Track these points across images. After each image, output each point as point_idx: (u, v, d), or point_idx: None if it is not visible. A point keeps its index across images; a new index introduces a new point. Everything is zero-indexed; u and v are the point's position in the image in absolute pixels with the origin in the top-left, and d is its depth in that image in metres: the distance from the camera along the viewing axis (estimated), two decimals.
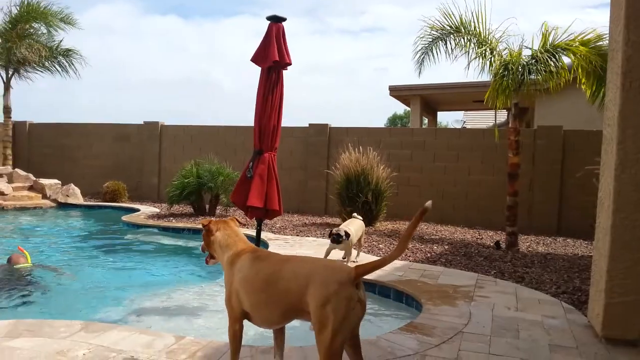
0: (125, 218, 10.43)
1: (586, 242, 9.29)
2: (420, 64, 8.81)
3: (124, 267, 6.99)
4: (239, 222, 3.28)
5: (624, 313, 4.02)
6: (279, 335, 3.06)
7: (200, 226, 3.54)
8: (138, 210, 11.78)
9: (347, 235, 6.10)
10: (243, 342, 3.05)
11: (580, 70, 7.91)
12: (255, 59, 5.55)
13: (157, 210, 11.86)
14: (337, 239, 6.10)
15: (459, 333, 4.14)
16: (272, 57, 5.42)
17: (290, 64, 5.63)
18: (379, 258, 2.63)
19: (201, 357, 3.41)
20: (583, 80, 7.96)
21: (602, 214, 4.26)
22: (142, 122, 14.71)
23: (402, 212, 11.58)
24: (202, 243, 3.21)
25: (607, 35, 4.47)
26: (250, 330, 3.22)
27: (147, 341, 3.70)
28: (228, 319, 2.92)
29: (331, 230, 6.28)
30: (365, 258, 7.10)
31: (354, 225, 6.52)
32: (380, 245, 8.18)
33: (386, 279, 5.80)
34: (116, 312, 4.95)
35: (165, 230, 9.52)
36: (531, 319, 4.63)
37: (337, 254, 6.46)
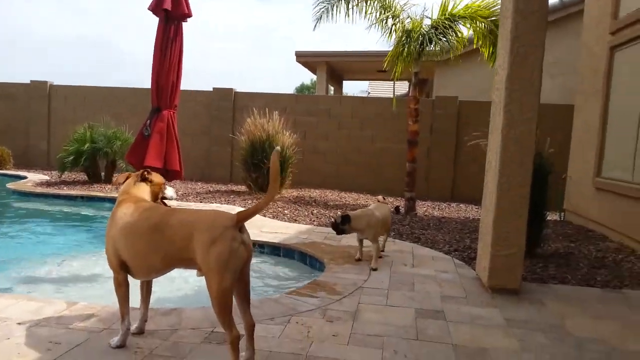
0: (10, 185, 9.69)
1: (477, 207, 9.95)
2: (319, 19, 8.75)
3: (10, 236, 6.58)
4: (146, 177, 3.22)
5: (507, 265, 4.40)
6: (145, 285, 3.15)
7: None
8: (25, 177, 10.99)
9: (346, 218, 4.99)
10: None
11: (476, 37, 8.35)
12: (153, 7, 5.35)
13: (47, 177, 11.13)
14: (337, 227, 5.07)
15: (359, 288, 4.32)
16: (167, 3, 5.26)
17: (189, 15, 5.46)
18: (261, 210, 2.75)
19: (95, 321, 3.34)
20: (480, 42, 8.41)
21: (489, 173, 4.59)
22: (29, 82, 13.33)
23: (308, 179, 11.77)
24: None
25: (500, 4, 4.74)
26: (153, 294, 3.22)
27: (36, 308, 3.53)
28: (110, 268, 2.94)
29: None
30: (274, 224, 7.19)
31: (381, 210, 5.43)
32: (286, 211, 8.27)
33: (291, 242, 5.90)
34: (2, 281, 4.69)
35: (56, 198, 8.98)
36: (425, 274, 4.93)
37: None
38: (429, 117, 11.24)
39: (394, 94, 13.91)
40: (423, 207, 9.72)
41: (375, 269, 4.88)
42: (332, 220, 5.10)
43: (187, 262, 2.68)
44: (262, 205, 2.65)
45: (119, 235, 2.83)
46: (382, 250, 5.56)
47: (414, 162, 8.86)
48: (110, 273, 3.00)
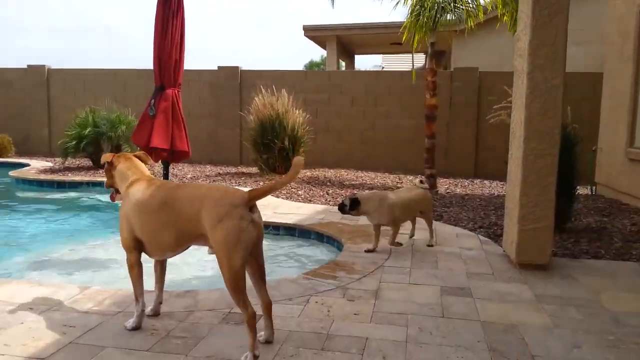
0: (13, 173, 9.78)
1: (502, 183, 9.86)
2: None
3: (16, 224, 6.68)
4: (142, 160, 3.30)
5: (535, 239, 4.39)
6: (159, 267, 3.21)
7: (100, 179, 3.59)
8: (28, 165, 11.11)
9: (354, 202, 4.75)
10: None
11: (499, 2, 8.21)
12: None
13: (50, 164, 11.24)
14: (342, 208, 4.83)
15: (379, 267, 4.33)
16: None
17: None
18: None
19: (110, 305, 3.39)
20: (501, 9, 8.28)
21: (513, 144, 4.56)
22: (25, 66, 13.43)
23: (322, 159, 11.76)
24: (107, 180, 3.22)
25: None
26: (167, 275, 3.29)
27: (48, 293, 3.59)
28: (123, 249, 3.01)
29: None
30: (288, 205, 7.17)
31: (409, 194, 5.13)
32: (300, 192, 8.27)
33: (307, 222, 5.92)
34: (14, 268, 4.75)
35: (60, 185, 9.07)
36: (449, 251, 4.92)
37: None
38: (447, 91, 11.20)
39: (412, 65, 13.75)
40: (444, 185, 9.66)
41: (394, 246, 4.90)
42: (341, 202, 4.90)
43: (199, 239, 2.73)
44: (277, 185, 2.70)
45: (132, 212, 2.89)
46: (412, 236, 5.43)
47: (433, 137, 8.79)
48: (122, 258, 3.06)
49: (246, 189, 2.76)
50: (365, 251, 4.81)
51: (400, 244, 4.95)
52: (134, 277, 3.00)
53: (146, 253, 2.97)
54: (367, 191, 5.16)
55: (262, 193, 2.66)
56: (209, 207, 2.62)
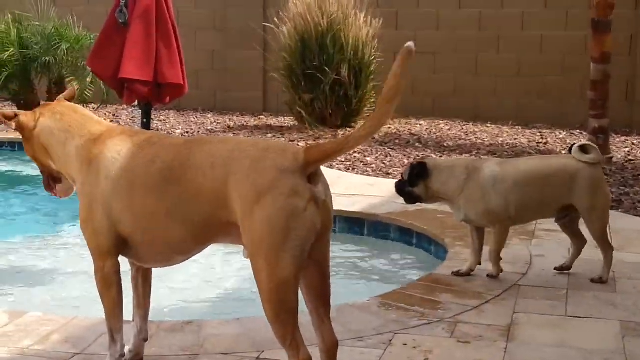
0: None
1: None
2: None
3: None
4: None
5: None
6: (141, 281, 2.71)
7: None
8: None
9: (419, 171, 3.75)
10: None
11: None
12: None
13: None
14: (401, 187, 3.84)
15: (512, 287, 3.71)
16: None
17: None
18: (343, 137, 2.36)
19: (59, 342, 2.95)
20: None
21: None
22: None
23: (407, 101, 9.36)
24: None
25: None
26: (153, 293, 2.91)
27: None
28: (92, 256, 2.59)
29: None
30: (350, 180, 6.22)
31: (542, 163, 4.07)
32: (369, 158, 7.24)
33: (383, 210, 5.17)
34: None
35: None
36: (636, 262, 4.18)
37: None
38: None
39: None
40: (624, 146, 8.15)
41: (492, 277, 3.81)
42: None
43: (228, 231, 2.32)
44: (351, 142, 2.22)
45: (113, 190, 2.46)
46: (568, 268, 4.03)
47: (606, 62, 7.06)
48: (80, 267, 3.00)
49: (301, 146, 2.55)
50: (454, 274, 3.86)
51: (495, 276, 3.77)
52: (109, 301, 2.59)
53: (133, 259, 2.62)
54: (460, 158, 4.92)
55: (328, 153, 2.26)
56: (238, 177, 2.20)
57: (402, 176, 4.04)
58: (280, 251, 2.11)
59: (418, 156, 7.35)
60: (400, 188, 3.88)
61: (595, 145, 4.23)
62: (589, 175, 3.68)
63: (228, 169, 2.22)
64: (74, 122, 2.58)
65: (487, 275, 3.85)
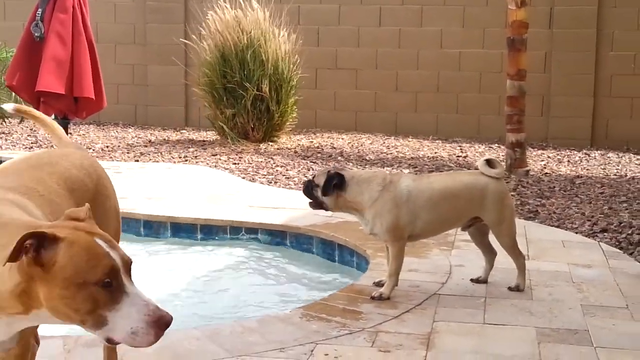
0: None
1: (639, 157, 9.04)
2: None
3: None
4: None
5: None
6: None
7: None
8: None
9: (333, 182, 3.57)
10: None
11: None
12: None
13: None
14: (310, 191, 3.66)
15: (432, 297, 3.78)
16: None
17: None
18: None
19: None
20: None
21: None
22: None
23: (327, 117, 10.14)
24: None
25: None
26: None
27: None
28: None
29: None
30: (271, 194, 6.17)
31: (450, 179, 3.97)
32: (291, 172, 7.28)
33: (305, 223, 5.17)
34: None
35: None
36: (552, 270, 4.28)
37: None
38: None
39: None
40: (540, 159, 8.36)
41: (375, 297, 3.64)
42: (308, 179, 4.02)
43: None
44: None
45: None
46: (485, 279, 4.00)
47: (521, 78, 7.28)
48: None
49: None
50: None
51: (387, 298, 3.65)
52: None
53: None
54: (376, 169, 4.91)
55: None
56: None
57: (313, 178, 3.78)
58: None
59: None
60: (310, 192, 3.69)
61: (499, 160, 4.41)
62: (496, 189, 3.75)
63: None
64: None
65: (372, 297, 3.47)
